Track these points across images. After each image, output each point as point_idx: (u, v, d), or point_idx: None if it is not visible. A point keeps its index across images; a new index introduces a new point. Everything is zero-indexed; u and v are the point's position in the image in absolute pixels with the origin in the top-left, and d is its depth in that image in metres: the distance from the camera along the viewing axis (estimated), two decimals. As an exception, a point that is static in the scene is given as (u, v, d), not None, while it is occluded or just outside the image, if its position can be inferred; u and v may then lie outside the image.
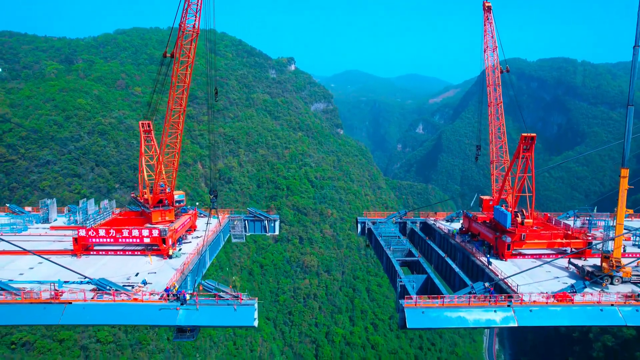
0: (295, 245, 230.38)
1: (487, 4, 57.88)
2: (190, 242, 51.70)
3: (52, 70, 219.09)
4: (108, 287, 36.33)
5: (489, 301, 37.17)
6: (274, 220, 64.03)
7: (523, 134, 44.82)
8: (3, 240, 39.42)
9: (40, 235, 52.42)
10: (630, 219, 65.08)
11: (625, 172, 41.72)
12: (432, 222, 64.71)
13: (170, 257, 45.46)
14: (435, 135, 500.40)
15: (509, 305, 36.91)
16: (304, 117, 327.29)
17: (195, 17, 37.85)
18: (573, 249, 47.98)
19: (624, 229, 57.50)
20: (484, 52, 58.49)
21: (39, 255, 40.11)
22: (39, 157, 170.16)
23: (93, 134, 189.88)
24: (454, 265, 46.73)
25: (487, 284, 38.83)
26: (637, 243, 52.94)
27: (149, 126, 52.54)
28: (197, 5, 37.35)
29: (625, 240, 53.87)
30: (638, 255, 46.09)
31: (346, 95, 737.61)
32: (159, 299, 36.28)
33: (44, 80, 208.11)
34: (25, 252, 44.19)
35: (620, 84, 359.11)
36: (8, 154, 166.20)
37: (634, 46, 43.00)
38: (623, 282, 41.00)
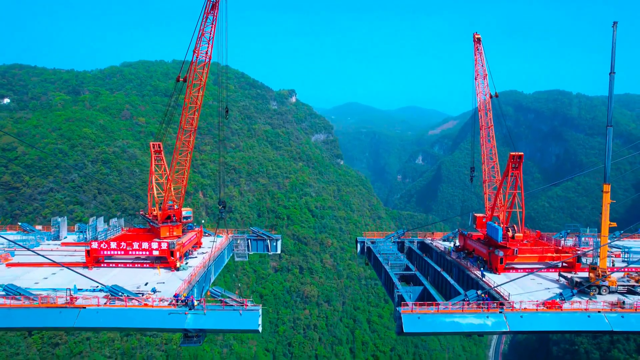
0: (296, 275, 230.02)
1: (476, 36, 62.69)
2: (196, 257, 54.07)
3: (59, 101, 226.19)
4: (120, 293, 38.61)
5: (482, 308, 39.33)
6: (276, 240, 66.45)
7: (511, 153, 48.17)
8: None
9: (52, 250, 54.82)
10: (622, 239, 67.52)
11: (607, 188, 44.80)
12: (430, 241, 67.14)
13: (177, 269, 47.83)
14: (435, 166, 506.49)
15: (500, 312, 39.07)
16: (305, 147, 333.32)
17: (208, 44, 42.14)
18: (563, 263, 50.33)
19: (616, 248, 60.29)
20: (475, 79, 62.80)
21: (68, 267, 42.49)
22: (42, 185, 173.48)
23: (97, 163, 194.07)
24: (449, 278, 48.97)
25: (479, 292, 41.08)
26: (626, 259, 55.23)
27: (159, 147, 55.98)
28: (210, 34, 41.73)
29: (615, 257, 56.48)
30: (625, 269, 48.45)
31: (346, 127, 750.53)
32: (168, 304, 38.53)
33: (51, 110, 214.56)
34: (40, 263, 46.87)
35: (615, 115, 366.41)
36: (13, 181, 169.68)
37: (610, 73, 46.87)
38: (610, 292, 43.22)
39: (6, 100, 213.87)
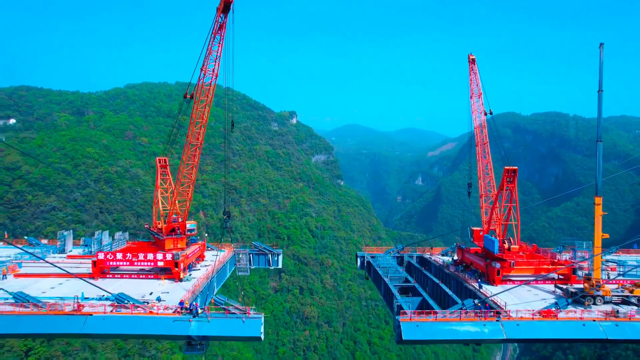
0: (296, 296, 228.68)
1: (471, 57, 65.36)
2: (199, 269, 55.04)
3: (64, 122, 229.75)
4: (126, 301, 39.59)
5: (479, 316, 40.21)
6: (277, 254, 67.43)
7: (506, 167, 49.76)
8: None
9: (58, 262, 55.82)
10: (618, 254, 68.70)
11: (598, 200, 46.31)
12: (428, 256, 68.09)
13: (181, 280, 48.79)
14: (435, 187, 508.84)
15: (497, 320, 39.92)
16: (305, 168, 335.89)
17: (215, 62, 44.41)
18: (559, 276, 51.32)
19: (612, 262, 61.36)
20: (471, 98, 65.07)
21: (77, 277, 43.48)
22: (45, 204, 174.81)
23: (99, 182, 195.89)
24: (447, 289, 49.85)
25: (476, 301, 42.00)
26: (621, 272, 56.16)
27: (165, 162, 57.70)
28: (217, 52, 44.04)
29: (610, 270, 57.43)
30: (619, 282, 49.49)
31: (346, 148, 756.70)
32: (173, 312, 39.45)
33: (55, 130, 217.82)
34: (47, 274, 48.01)
35: (612, 137, 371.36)
36: (16, 200, 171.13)
37: (598, 91, 48.99)
38: (605, 302, 44.08)
39: (12, 121, 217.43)
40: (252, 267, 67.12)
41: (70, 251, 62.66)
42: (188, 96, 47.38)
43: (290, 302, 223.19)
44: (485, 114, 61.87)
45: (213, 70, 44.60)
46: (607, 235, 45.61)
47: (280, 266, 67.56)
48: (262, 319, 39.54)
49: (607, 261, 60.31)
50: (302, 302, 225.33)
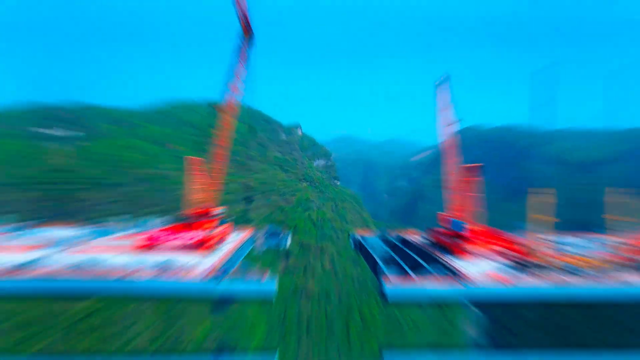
0: (300, 276, 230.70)
1: (441, 78, 67.67)
2: (226, 244, 57.13)
3: (112, 132, 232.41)
4: (169, 268, 41.75)
5: (448, 282, 42.34)
6: (287, 236, 69.60)
7: (466, 165, 51.99)
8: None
9: (113, 240, 57.97)
10: (560, 236, 70.60)
11: (532, 190, 48.43)
12: (408, 237, 70.11)
13: (212, 253, 50.85)
14: (415, 187, 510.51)
15: (461, 284, 42.07)
16: (308, 170, 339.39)
17: (238, 81, 46.73)
18: (512, 252, 53.37)
19: (564, 244, 63.34)
20: (440, 111, 67.35)
21: (137, 252, 45.50)
22: (96, 199, 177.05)
23: (143, 182, 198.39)
24: (422, 262, 51.89)
25: (445, 271, 44.13)
26: (563, 250, 58.17)
27: (197, 161, 59.77)
28: (240, 72, 46.31)
29: (553, 247, 59.33)
30: (562, 256, 51.48)
31: (342, 156, 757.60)
32: (206, 277, 41.61)
33: (105, 139, 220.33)
34: (104, 248, 50.11)
35: (565, 145, 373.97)
36: (67, 197, 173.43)
37: (542, 104, 51.06)
38: (552, 270, 46.05)
39: (66, 133, 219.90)
40: (266, 246, 69.19)
41: (122, 232, 64.79)
42: (215, 108, 49.62)
43: (296, 280, 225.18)
44: (452, 124, 64.06)
45: (236, 88, 46.91)
46: (557, 220, 47.73)
47: (288, 245, 69.51)
48: (276, 280, 41.74)
49: (551, 240, 62.20)
50: (305, 281, 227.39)
